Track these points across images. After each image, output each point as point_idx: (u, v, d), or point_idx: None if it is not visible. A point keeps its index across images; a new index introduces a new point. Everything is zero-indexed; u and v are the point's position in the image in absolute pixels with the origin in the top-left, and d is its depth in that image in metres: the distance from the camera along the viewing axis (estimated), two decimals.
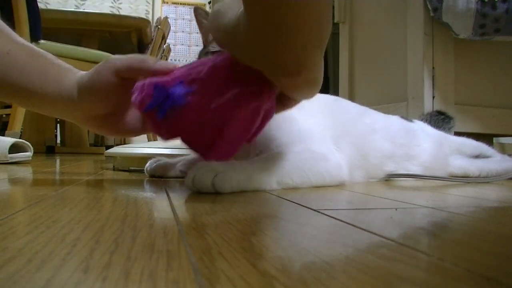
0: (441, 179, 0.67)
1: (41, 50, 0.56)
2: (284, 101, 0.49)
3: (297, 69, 0.39)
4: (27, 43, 0.55)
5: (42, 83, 0.53)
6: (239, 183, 0.48)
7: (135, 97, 0.47)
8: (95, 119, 0.56)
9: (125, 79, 0.52)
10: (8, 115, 1.77)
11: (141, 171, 0.79)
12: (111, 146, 1.75)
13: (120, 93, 0.53)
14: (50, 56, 0.56)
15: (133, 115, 0.57)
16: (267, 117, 0.48)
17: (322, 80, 0.44)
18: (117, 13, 3.87)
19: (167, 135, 0.47)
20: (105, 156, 0.89)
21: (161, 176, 0.67)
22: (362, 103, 0.76)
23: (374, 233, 0.27)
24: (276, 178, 0.52)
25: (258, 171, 0.51)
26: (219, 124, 0.44)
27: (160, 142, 0.89)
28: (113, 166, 0.88)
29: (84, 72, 0.55)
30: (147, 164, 0.69)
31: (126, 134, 0.59)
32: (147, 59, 0.52)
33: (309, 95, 0.46)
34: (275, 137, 0.59)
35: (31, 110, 0.60)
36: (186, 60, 4.23)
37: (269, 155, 0.56)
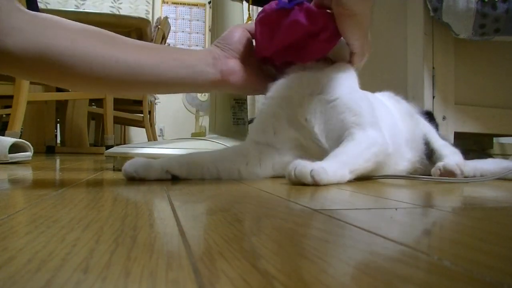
0: (440, 179, 0.67)
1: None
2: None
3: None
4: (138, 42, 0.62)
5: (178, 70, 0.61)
6: (331, 175, 0.56)
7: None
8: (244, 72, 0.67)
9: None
10: (8, 115, 1.77)
11: None
12: (111, 146, 1.75)
13: (249, 44, 0.69)
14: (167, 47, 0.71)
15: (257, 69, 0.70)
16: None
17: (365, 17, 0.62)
18: (117, 13, 3.87)
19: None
20: (105, 156, 0.89)
21: (143, 178, 0.61)
22: None
23: (374, 233, 0.27)
24: (349, 169, 0.59)
25: (340, 165, 0.59)
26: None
27: (160, 142, 0.89)
28: (113, 166, 0.88)
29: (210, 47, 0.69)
30: (125, 165, 0.62)
31: (257, 86, 0.70)
32: None
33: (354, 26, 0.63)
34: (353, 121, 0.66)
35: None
36: None
37: (345, 147, 0.62)
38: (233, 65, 0.66)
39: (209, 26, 4.15)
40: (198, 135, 0.91)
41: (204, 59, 0.64)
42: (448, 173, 0.68)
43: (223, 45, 0.67)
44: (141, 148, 0.83)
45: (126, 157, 0.84)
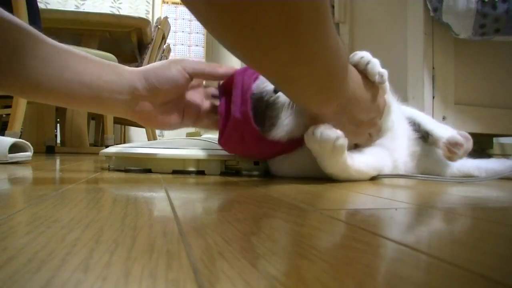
0: (439, 179, 0.67)
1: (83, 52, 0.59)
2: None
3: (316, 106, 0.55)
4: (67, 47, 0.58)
5: (101, 78, 0.57)
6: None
7: (234, 110, 0.63)
8: (150, 107, 0.62)
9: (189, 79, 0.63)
10: (8, 115, 1.77)
11: (139, 171, 0.79)
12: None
13: (182, 89, 0.63)
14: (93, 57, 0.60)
15: (175, 109, 0.65)
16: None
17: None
18: (117, 13, 3.87)
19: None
20: (105, 156, 0.89)
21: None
22: None
23: (374, 233, 0.27)
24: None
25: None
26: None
27: (156, 142, 0.89)
28: (109, 166, 0.87)
29: (141, 68, 0.62)
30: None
31: (165, 126, 0.66)
32: (215, 66, 0.65)
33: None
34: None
35: (90, 110, 0.68)
36: None
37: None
38: (149, 110, 0.61)
39: None
40: (193, 135, 0.91)
41: (120, 91, 0.58)
42: (454, 144, 0.67)
43: (150, 83, 0.59)
44: (136, 148, 0.82)
45: (121, 157, 0.83)
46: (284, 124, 0.61)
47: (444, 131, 0.73)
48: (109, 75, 0.57)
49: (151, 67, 0.61)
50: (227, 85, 0.67)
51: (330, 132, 0.55)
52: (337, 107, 0.55)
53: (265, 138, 0.62)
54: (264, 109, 0.63)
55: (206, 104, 0.70)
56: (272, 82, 0.50)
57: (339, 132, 0.55)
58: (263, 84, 0.63)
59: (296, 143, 0.63)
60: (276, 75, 0.44)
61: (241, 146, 0.67)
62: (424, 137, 0.75)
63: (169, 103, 0.63)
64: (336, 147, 0.55)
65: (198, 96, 0.69)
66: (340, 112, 0.56)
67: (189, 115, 0.67)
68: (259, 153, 0.68)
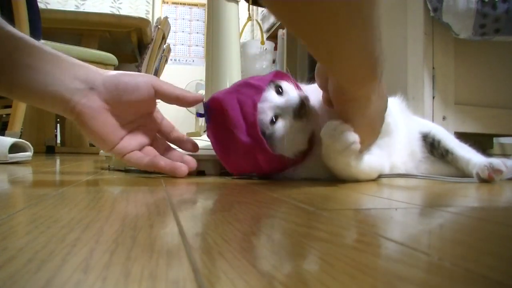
0: (440, 179, 0.67)
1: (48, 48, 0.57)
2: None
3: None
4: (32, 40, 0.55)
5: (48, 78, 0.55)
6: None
7: (239, 134, 0.62)
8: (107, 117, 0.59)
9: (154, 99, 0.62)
10: (8, 115, 1.77)
11: (139, 171, 0.79)
12: None
13: (145, 105, 0.62)
14: (56, 52, 0.58)
15: (133, 140, 0.64)
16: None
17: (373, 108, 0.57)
18: (117, 13, 3.87)
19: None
20: (105, 156, 0.89)
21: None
22: None
23: (374, 233, 0.27)
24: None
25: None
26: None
27: None
28: (108, 166, 0.88)
29: (105, 72, 0.59)
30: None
31: (120, 153, 0.63)
32: (184, 92, 0.64)
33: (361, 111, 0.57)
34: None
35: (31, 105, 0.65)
36: (186, 60, 4.23)
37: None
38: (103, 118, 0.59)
39: None
40: (193, 135, 0.91)
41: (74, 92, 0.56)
42: (495, 171, 0.66)
43: (113, 96, 0.57)
44: None
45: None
46: (283, 151, 0.62)
47: (473, 154, 0.71)
48: (73, 81, 0.56)
49: (119, 74, 0.60)
50: (213, 106, 0.65)
51: (349, 136, 0.56)
52: (369, 91, 0.54)
53: (276, 156, 0.62)
54: (266, 139, 0.62)
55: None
56: (320, 54, 0.48)
57: (356, 137, 0.56)
58: (261, 116, 0.62)
59: (304, 155, 0.65)
60: (328, 40, 0.44)
61: (251, 167, 0.66)
62: (443, 154, 0.75)
63: (135, 123, 0.63)
64: (350, 149, 0.56)
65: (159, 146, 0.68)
66: (366, 103, 0.55)
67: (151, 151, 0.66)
68: (271, 170, 0.67)
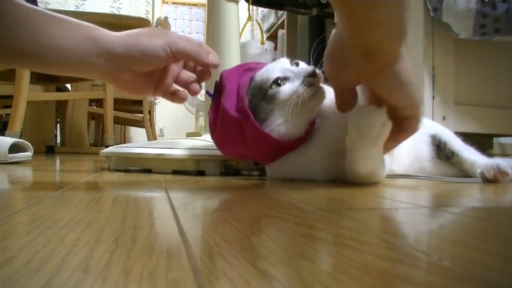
0: (440, 179, 0.67)
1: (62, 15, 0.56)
2: (402, 125, 0.55)
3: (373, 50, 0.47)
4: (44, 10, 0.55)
5: (70, 41, 0.53)
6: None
7: (228, 108, 0.61)
8: (126, 74, 0.57)
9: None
10: (8, 115, 1.77)
11: (139, 171, 0.79)
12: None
13: (162, 64, 0.58)
14: (72, 19, 0.56)
15: (152, 79, 0.60)
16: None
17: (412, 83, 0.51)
18: (117, 13, 3.87)
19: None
20: (105, 156, 0.89)
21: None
22: None
23: (374, 233, 0.27)
24: None
25: None
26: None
27: (156, 142, 0.89)
28: (109, 166, 0.87)
29: (120, 34, 0.56)
30: None
31: (139, 94, 0.62)
32: (202, 52, 0.57)
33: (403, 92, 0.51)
34: None
35: (55, 72, 0.63)
36: None
37: None
38: (126, 78, 0.58)
39: None
40: (193, 135, 0.91)
41: (94, 56, 0.54)
42: (502, 172, 0.64)
43: (130, 53, 0.56)
44: (136, 148, 0.82)
45: (121, 157, 0.83)
46: (276, 123, 0.59)
47: (478, 156, 0.71)
48: (84, 40, 0.54)
49: (135, 35, 0.57)
50: (218, 83, 0.65)
51: (382, 116, 0.52)
52: (400, 46, 0.48)
53: (266, 135, 0.59)
54: (260, 100, 0.60)
55: (183, 76, 0.63)
56: (358, 15, 0.44)
57: (388, 123, 0.52)
58: (266, 73, 0.61)
59: (295, 143, 0.62)
60: None
61: (240, 147, 0.65)
62: (448, 156, 0.74)
63: (147, 74, 0.59)
64: (382, 133, 0.52)
65: (176, 70, 0.62)
66: (400, 58, 0.49)
67: (161, 87, 0.62)
68: (259, 153, 0.66)
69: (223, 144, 0.67)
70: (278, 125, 0.60)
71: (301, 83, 0.58)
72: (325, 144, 0.63)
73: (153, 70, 0.59)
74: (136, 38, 0.56)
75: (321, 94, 0.59)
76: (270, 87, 0.60)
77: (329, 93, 0.60)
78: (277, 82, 0.59)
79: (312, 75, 0.58)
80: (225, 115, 0.61)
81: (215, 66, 0.58)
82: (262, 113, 0.60)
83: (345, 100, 0.54)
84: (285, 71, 0.60)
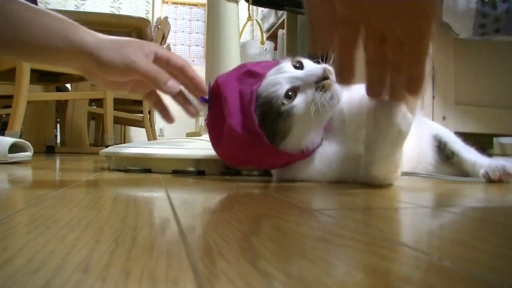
0: (440, 177, 0.67)
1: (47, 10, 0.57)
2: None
3: None
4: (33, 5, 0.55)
5: (46, 37, 0.54)
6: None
7: (233, 124, 0.57)
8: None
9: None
10: (8, 115, 1.77)
11: (139, 171, 0.79)
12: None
13: (117, 77, 0.56)
14: (56, 13, 0.57)
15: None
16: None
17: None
18: (117, 13, 3.87)
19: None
20: (105, 156, 0.88)
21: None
22: None
23: (374, 233, 0.27)
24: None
25: None
26: None
27: (156, 142, 0.89)
28: (109, 166, 0.87)
29: (101, 36, 0.57)
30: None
31: (116, 90, 0.61)
32: (159, 78, 0.55)
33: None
34: None
35: (36, 63, 0.64)
36: (185, 60, 4.23)
37: None
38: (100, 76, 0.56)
39: None
40: (193, 135, 0.91)
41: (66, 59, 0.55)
42: (506, 174, 0.63)
43: (101, 61, 0.54)
44: (136, 148, 0.82)
45: (121, 157, 0.83)
46: (295, 139, 0.57)
47: (479, 157, 0.70)
48: (59, 42, 0.55)
49: (113, 42, 0.56)
50: (215, 92, 0.61)
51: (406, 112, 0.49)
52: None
53: (284, 154, 0.58)
54: (274, 119, 0.56)
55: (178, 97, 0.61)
56: None
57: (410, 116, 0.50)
58: (273, 88, 0.55)
59: (312, 150, 0.60)
60: None
61: (252, 162, 0.63)
62: (448, 156, 0.74)
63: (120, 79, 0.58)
64: (406, 128, 0.50)
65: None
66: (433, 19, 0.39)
67: (139, 88, 0.61)
68: (274, 164, 0.63)
69: (233, 159, 0.65)
70: (299, 139, 0.57)
71: (315, 90, 0.54)
72: (339, 145, 0.61)
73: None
74: (119, 47, 0.55)
75: (337, 93, 0.55)
76: (282, 103, 0.55)
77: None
78: (288, 95, 0.55)
79: (324, 78, 0.54)
80: (233, 133, 0.57)
81: (171, 93, 0.56)
82: (279, 132, 0.57)
83: (346, 62, 0.44)
84: (293, 80, 0.55)
